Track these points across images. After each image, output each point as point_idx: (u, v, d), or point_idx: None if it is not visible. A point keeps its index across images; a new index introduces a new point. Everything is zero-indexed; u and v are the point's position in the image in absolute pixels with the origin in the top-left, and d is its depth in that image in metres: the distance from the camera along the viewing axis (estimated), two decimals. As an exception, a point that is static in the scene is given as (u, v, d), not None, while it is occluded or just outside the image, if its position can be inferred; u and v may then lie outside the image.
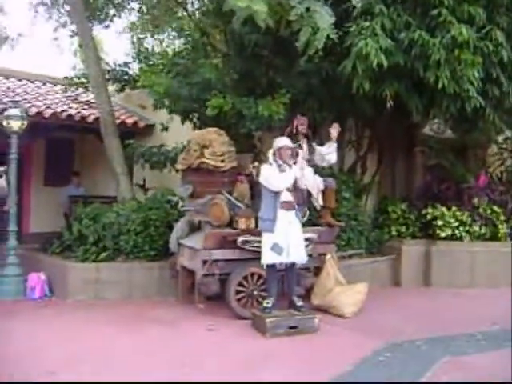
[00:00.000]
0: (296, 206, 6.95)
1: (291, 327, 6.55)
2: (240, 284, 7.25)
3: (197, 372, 5.31)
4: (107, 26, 13.31)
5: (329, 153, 7.90)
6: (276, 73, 9.49)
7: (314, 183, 7.81)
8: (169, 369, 5.36)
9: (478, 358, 5.90)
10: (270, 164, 6.94)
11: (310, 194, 7.82)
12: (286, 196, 6.85)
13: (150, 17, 14.63)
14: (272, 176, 6.83)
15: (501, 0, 8.44)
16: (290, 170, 6.88)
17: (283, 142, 7.03)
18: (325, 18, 7.04)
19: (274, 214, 6.76)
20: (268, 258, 6.75)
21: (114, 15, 13.33)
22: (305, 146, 7.88)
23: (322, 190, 7.94)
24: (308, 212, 7.75)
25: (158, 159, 9.78)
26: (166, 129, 10.30)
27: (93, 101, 11.44)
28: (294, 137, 7.76)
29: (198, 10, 12.52)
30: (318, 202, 7.86)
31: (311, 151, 7.89)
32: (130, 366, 5.46)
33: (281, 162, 6.91)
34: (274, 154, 6.97)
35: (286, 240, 6.74)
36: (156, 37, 16.32)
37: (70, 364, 5.45)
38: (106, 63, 13.70)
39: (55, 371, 5.19)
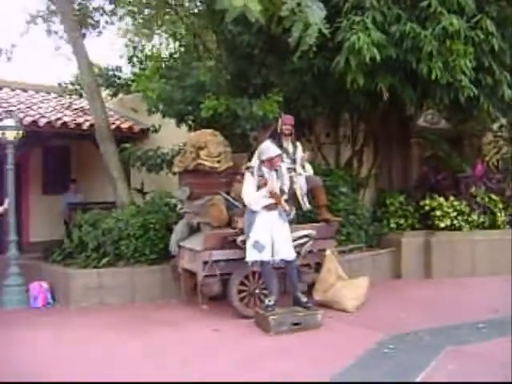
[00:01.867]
0: (279, 207, 6.95)
1: (294, 324, 6.58)
2: (242, 283, 7.27)
3: (206, 371, 5.33)
4: (100, 32, 13.30)
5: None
6: (268, 72, 9.51)
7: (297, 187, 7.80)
8: (180, 369, 5.40)
9: (481, 346, 5.93)
10: (252, 174, 6.95)
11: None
12: (265, 201, 6.89)
13: (142, 21, 14.64)
14: (248, 193, 6.90)
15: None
16: (266, 187, 6.86)
17: (275, 151, 7.01)
18: (316, 13, 7.06)
19: (252, 218, 6.85)
20: (250, 255, 6.84)
21: (107, 22, 13.33)
22: (290, 147, 7.91)
23: (310, 189, 7.92)
24: (295, 210, 7.73)
25: (155, 162, 9.79)
26: (156, 131, 10.33)
27: (87, 107, 11.45)
28: (277, 136, 7.78)
29: (189, 11, 12.52)
30: (305, 203, 7.83)
31: (294, 150, 7.89)
32: (141, 368, 5.48)
33: (265, 172, 6.92)
34: (263, 162, 6.98)
35: (268, 238, 6.80)
36: (149, 41, 16.33)
37: (81, 370, 5.47)
38: (99, 69, 13.72)
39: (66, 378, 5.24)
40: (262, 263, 6.87)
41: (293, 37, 7.16)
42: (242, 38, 9.16)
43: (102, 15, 13.04)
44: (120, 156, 10.08)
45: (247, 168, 7.28)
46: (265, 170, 6.95)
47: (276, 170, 7.00)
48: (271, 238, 6.82)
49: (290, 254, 6.95)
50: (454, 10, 8.13)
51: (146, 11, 13.82)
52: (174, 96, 9.12)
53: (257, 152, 7.30)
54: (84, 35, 10.92)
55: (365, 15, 7.98)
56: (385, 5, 8.18)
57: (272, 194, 6.83)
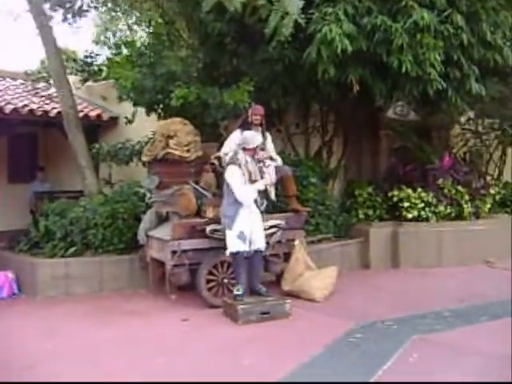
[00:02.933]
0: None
1: (263, 313, 6.59)
2: (210, 273, 7.26)
3: (175, 361, 5.33)
4: (82, 13, 13.03)
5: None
6: (240, 61, 9.46)
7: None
8: (148, 359, 5.38)
9: (446, 334, 6.03)
10: (240, 166, 6.89)
11: None
12: (255, 194, 6.93)
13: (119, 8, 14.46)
14: (240, 188, 6.82)
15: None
16: (261, 179, 7.01)
17: (260, 139, 7.08)
18: (294, 3, 7.04)
19: (235, 211, 6.82)
20: (235, 245, 6.81)
21: (89, 5, 13.09)
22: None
23: (279, 179, 7.92)
24: (265, 201, 7.72)
25: (123, 155, 9.70)
26: (130, 121, 10.19)
27: (55, 94, 11.27)
28: (247, 126, 7.76)
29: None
30: (271, 194, 7.79)
31: (264, 140, 7.87)
32: (110, 358, 5.45)
33: (249, 161, 6.93)
34: (245, 150, 6.98)
35: (249, 229, 6.81)
36: (123, 25, 16.13)
37: (49, 359, 5.44)
38: (72, 54, 13.52)
39: (34, 365, 5.21)
40: (237, 253, 6.86)
41: (269, 27, 7.13)
42: (214, 25, 9.08)
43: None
44: (89, 151, 9.95)
45: (217, 158, 7.27)
46: (248, 159, 6.95)
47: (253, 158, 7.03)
48: (251, 228, 6.85)
49: (263, 243, 6.99)
50: (425, 4, 8.19)
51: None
52: (145, 84, 9.02)
53: (233, 140, 7.30)
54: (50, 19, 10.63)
55: (337, 7, 7.99)
56: (356, -3, 8.20)
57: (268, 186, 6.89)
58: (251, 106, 8.10)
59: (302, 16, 7.39)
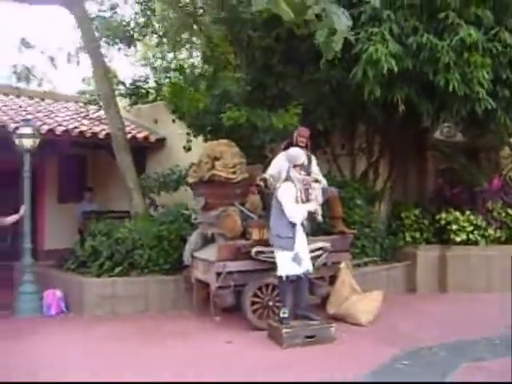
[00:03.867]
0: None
1: (308, 337, 6.52)
2: (255, 295, 7.23)
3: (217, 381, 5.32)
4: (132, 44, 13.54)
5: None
6: (285, 83, 9.50)
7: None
8: (191, 379, 5.38)
9: (497, 362, 5.84)
10: (293, 183, 6.84)
11: None
12: (306, 214, 6.91)
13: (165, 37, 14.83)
14: (290, 205, 6.71)
15: (508, 1, 8.42)
16: (311, 201, 6.99)
17: (303, 156, 7.08)
18: (342, 21, 7.03)
19: (293, 231, 6.71)
20: (289, 269, 6.67)
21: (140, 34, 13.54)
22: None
23: (326, 200, 7.88)
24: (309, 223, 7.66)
25: (171, 182, 9.83)
26: (189, 149, 10.15)
27: (104, 117, 11.52)
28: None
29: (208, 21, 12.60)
30: (318, 215, 7.76)
31: (309, 163, 7.87)
32: (151, 379, 5.46)
33: (296, 179, 6.89)
34: (294, 167, 6.97)
35: (303, 251, 6.75)
36: (172, 53, 16.49)
37: (95, 379, 5.47)
38: (122, 83, 13.93)
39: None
40: (287, 276, 6.75)
41: (318, 41, 7.15)
42: (260, 43, 9.11)
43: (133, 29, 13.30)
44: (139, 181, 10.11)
45: (262, 179, 7.28)
46: (298, 176, 6.94)
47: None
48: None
49: (310, 266, 6.91)
50: (471, 21, 8.09)
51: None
52: (209, 107, 9.12)
53: (278, 162, 7.32)
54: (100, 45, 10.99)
55: (382, 27, 7.96)
56: (402, 17, 8.16)
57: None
58: (297, 128, 8.10)
59: (352, 32, 7.38)
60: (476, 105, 8.23)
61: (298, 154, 7.07)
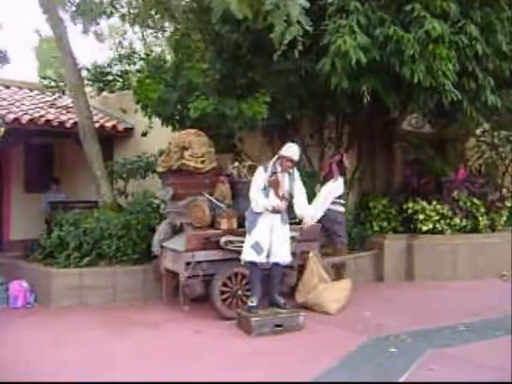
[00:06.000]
0: (282, 210, 6.96)
1: (276, 325, 6.57)
2: (224, 284, 7.25)
3: (188, 372, 5.32)
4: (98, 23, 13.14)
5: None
6: (255, 72, 9.49)
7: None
8: (161, 371, 5.37)
9: (462, 349, 5.97)
10: (265, 169, 6.90)
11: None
12: (273, 199, 6.86)
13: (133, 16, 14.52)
14: (253, 191, 6.84)
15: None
16: (278, 188, 6.87)
17: (289, 152, 6.95)
18: (297, 5, 7.07)
19: (255, 217, 6.81)
20: (247, 255, 6.79)
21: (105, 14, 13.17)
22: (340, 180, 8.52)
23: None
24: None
25: (138, 171, 9.78)
26: (145, 134, 10.22)
27: (71, 105, 11.36)
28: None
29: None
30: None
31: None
32: (121, 369, 5.45)
33: (278, 170, 6.91)
34: (278, 159, 6.96)
35: (268, 241, 6.77)
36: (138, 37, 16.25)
37: (59, 370, 5.43)
38: (86, 68, 13.65)
39: (44, 376, 5.20)
40: (254, 264, 6.83)
41: (275, 32, 7.17)
42: (229, 36, 9.10)
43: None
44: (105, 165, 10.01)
45: (234, 168, 7.25)
46: (278, 168, 6.94)
47: (289, 173, 7.00)
48: (270, 240, 6.80)
49: (286, 257, 6.93)
50: (437, 14, 8.16)
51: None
52: (169, 96, 9.05)
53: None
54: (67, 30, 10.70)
55: (349, 18, 7.98)
56: (369, 8, 8.19)
57: (281, 198, 6.86)
58: (268, 118, 8.11)
59: (313, 27, 7.41)
60: (442, 96, 8.32)
61: (288, 146, 7.02)
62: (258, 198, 6.82)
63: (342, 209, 8.70)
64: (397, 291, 9.06)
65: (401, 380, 5.02)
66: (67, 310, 7.85)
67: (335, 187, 8.55)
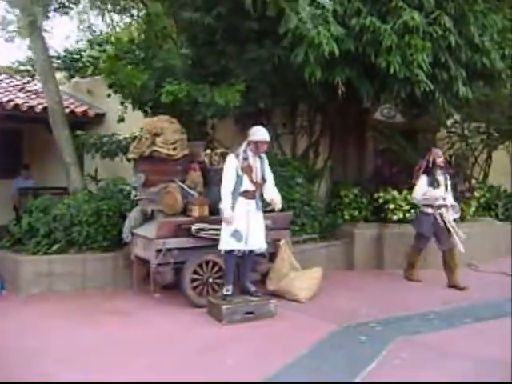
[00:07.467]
0: (257, 196, 6.94)
1: (247, 313, 6.58)
2: (195, 272, 7.22)
3: (159, 360, 5.30)
4: (66, 12, 12.89)
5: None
6: (228, 60, 9.43)
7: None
8: (132, 359, 5.34)
9: (431, 336, 6.06)
10: (237, 156, 6.80)
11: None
12: (247, 185, 6.82)
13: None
14: (225, 179, 6.77)
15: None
16: (250, 182, 6.81)
17: (263, 135, 6.89)
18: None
19: (233, 202, 6.73)
20: (227, 244, 6.72)
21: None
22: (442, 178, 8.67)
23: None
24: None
25: (109, 148, 9.63)
26: (122, 120, 10.06)
27: (41, 90, 11.17)
28: (431, 169, 8.57)
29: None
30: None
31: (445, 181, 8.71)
32: (91, 358, 5.40)
33: (250, 156, 6.83)
34: (249, 144, 6.88)
35: (245, 228, 6.74)
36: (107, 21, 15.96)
37: (32, 359, 5.37)
38: (56, 52, 13.44)
39: (12, 364, 5.17)
40: (230, 252, 6.79)
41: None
42: (202, 22, 9.01)
43: None
44: (74, 141, 9.86)
45: (206, 155, 7.19)
46: (250, 153, 6.87)
47: (260, 158, 6.95)
48: (247, 227, 6.76)
49: (262, 244, 6.92)
50: (413, 5, 8.20)
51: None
52: (148, 83, 8.92)
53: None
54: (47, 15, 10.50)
55: (325, 8, 7.96)
56: (345, -2, 8.20)
57: (256, 184, 6.81)
58: (241, 106, 8.06)
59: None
60: (415, 87, 8.37)
61: (256, 130, 6.94)
62: (228, 183, 6.73)
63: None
64: (367, 280, 9.12)
65: (368, 369, 5.06)
66: (36, 298, 7.75)
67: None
